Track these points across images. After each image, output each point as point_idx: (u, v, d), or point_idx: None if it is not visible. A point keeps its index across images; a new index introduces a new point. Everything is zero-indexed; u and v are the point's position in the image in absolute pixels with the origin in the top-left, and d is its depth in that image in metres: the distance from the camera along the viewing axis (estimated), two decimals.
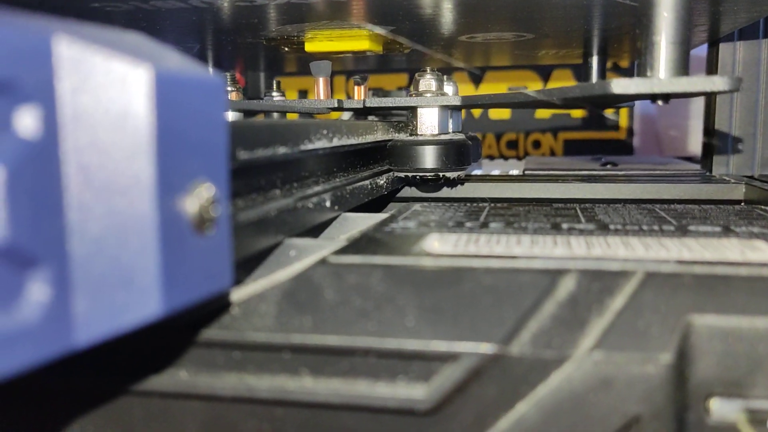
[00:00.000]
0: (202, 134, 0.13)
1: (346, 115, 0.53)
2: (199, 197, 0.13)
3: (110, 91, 0.12)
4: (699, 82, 0.22)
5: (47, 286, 0.11)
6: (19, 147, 0.11)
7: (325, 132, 0.24)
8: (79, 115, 0.12)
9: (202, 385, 0.16)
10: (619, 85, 0.22)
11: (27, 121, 0.11)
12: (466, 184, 0.35)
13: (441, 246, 0.19)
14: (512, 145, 0.77)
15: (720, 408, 0.15)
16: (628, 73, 0.71)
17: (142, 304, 0.12)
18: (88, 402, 0.17)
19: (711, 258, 0.17)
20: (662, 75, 0.22)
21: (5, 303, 0.11)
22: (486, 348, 0.15)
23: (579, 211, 0.26)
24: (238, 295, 0.17)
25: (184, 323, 0.16)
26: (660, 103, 0.24)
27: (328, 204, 0.23)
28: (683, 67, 0.23)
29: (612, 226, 0.22)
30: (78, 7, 0.31)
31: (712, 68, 0.42)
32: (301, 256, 0.19)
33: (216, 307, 0.17)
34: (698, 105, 0.70)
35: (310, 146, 0.23)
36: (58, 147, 0.11)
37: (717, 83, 0.22)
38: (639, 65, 0.23)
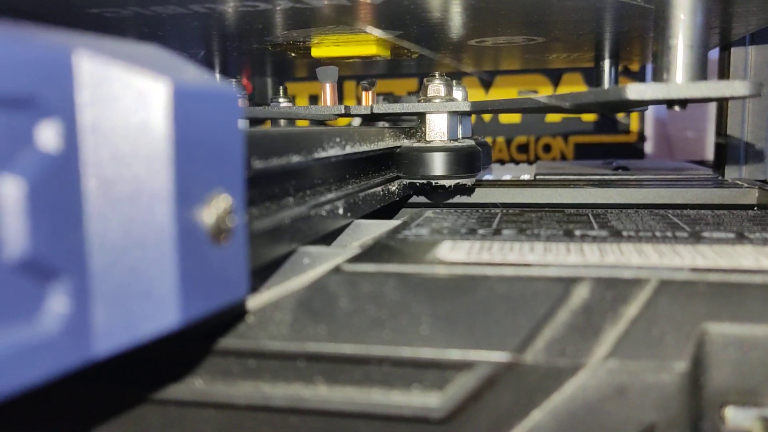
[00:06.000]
0: (219, 145, 0.13)
1: (357, 121, 0.53)
2: (216, 208, 0.13)
3: (129, 104, 0.12)
4: (718, 87, 0.21)
5: (67, 298, 0.11)
6: (40, 161, 0.11)
7: (337, 140, 0.24)
8: (98, 128, 0.12)
9: (217, 393, 0.16)
10: (634, 91, 0.21)
11: (48, 136, 0.11)
12: (477, 190, 0.35)
13: (454, 254, 0.19)
14: (523, 149, 0.77)
15: (735, 416, 0.15)
16: (638, 76, 0.71)
17: (161, 315, 0.12)
18: (105, 410, 0.17)
19: (725, 265, 0.17)
20: (679, 79, 0.22)
21: (27, 315, 0.11)
22: (500, 356, 0.15)
23: (591, 218, 0.26)
24: (253, 303, 0.17)
25: (200, 332, 0.16)
26: (677, 108, 0.23)
27: (341, 211, 0.23)
28: (701, 71, 0.22)
29: (625, 233, 0.22)
30: (76, 14, 0.31)
31: (723, 72, 0.42)
32: (314, 264, 0.19)
33: (231, 315, 0.17)
34: (710, 109, 0.70)
35: (323, 154, 0.23)
36: (79, 160, 0.12)
37: (737, 88, 0.21)
38: (655, 69, 0.23)
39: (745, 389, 0.15)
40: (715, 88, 0.21)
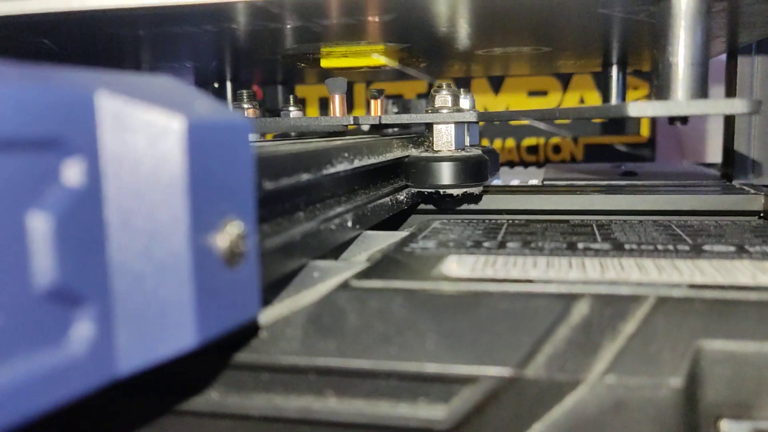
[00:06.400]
0: (231, 174, 0.14)
1: (366, 126, 0.54)
2: (230, 234, 0.14)
3: (147, 140, 0.13)
4: (718, 105, 0.22)
5: (92, 323, 0.12)
6: (66, 197, 0.12)
7: (346, 155, 0.25)
8: (118, 163, 0.12)
9: (232, 405, 0.17)
10: (636, 109, 0.22)
11: (73, 173, 0.12)
12: (485, 197, 0.36)
13: (459, 269, 0.20)
14: (533, 150, 0.78)
15: (730, 429, 0.15)
16: (649, 76, 0.71)
17: (179, 336, 0.13)
18: (126, 421, 0.18)
19: (722, 282, 0.18)
20: (680, 97, 0.22)
21: (56, 339, 0.12)
22: (503, 371, 0.16)
23: (595, 229, 0.26)
24: (265, 318, 0.18)
25: (216, 347, 0.17)
26: (678, 124, 0.24)
27: (349, 224, 0.24)
28: (702, 88, 0.23)
29: (627, 246, 0.23)
30: (94, 33, 0.32)
31: (731, 79, 0.42)
32: (324, 278, 0.20)
33: (245, 330, 0.17)
34: None
35: (332, 170, 0.24)
36: (101, 194, 0.12)
37: (737, 106, 0.22)
38: (656, 86, 0.23)
39: (739, 403, 0.15)
40: (715, 105, 0.21)
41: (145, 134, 0.12)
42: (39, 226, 0.11)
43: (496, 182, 0.48)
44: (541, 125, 0.27)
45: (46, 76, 0.11)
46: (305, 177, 0.21)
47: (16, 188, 0.11)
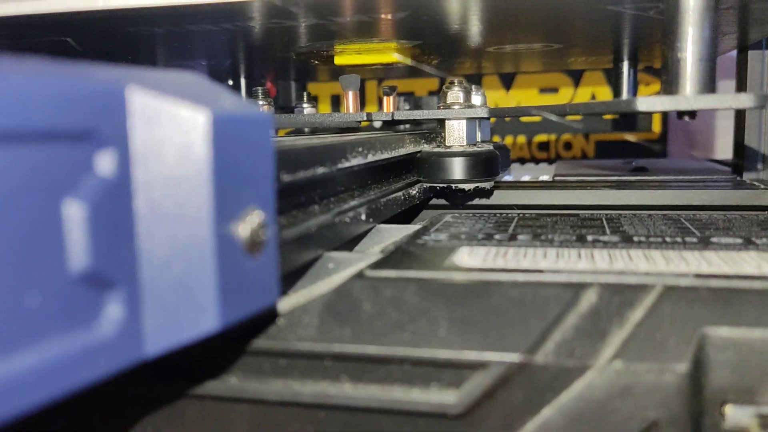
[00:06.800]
0: (253, 166, 0.15)
1: (378, 122, 0.55)
2: (251, 223, 0.15)
3: (174, 132, 0.13)
4: (725, 100, 0.22)
5: (122, 306, 0.13)
6: (98, 186, 0.12)
7: (360, 149, 0.26)
8: (147, 154, 0.13)
9: (251, 389, 0.18)
10: (645, 104, 0.23)
11: (105, 163, 0.12)
12: (496, 192, 0.36)
13: (471, 259, 0.20)
14: (543, 147, 0.78)
15: (734, 414, 0.16)
16: (660, 73, 0.71)
17: (202, 320, 0.14)
18: (149, 404, 0.18)
19: (728, 271, 0.18)
20: (688, 92, 0.23)
21: (88, 321, 0.12)
22: (513, 357, 0.17)
23: (605, 222, 0.27)
24: (282, 306, 0.18)
25: (235, 333, 0.18)
26: (687, 118, 0.24)
27: (363, 217, 0.25)
28: (710, 83, 0.23)
29: (636, 238, 0.23)
30: (113, 32, 0.33)
31: (741, 74, 0.42)
32: (339, 269, 0.20)
33: (263, 318, 0.18)
34: None
35: (346, 164, 0.24)
36: (130, 183, 0.13)
37: (744, 101, 0.22)
38: (665, 82, 0.24)
39: (743, 389, 0.16)
40: (722, 100, 0.22)
41: (172, 127, 0.13)
42: (74, 213, 0.12)
43: (507, 178, 0.48)
44: (554, 117, 0.28)
45: (81, 72, 0.12)
46: (321, 171, 0.22)
47: (53, 177, 0.11)
